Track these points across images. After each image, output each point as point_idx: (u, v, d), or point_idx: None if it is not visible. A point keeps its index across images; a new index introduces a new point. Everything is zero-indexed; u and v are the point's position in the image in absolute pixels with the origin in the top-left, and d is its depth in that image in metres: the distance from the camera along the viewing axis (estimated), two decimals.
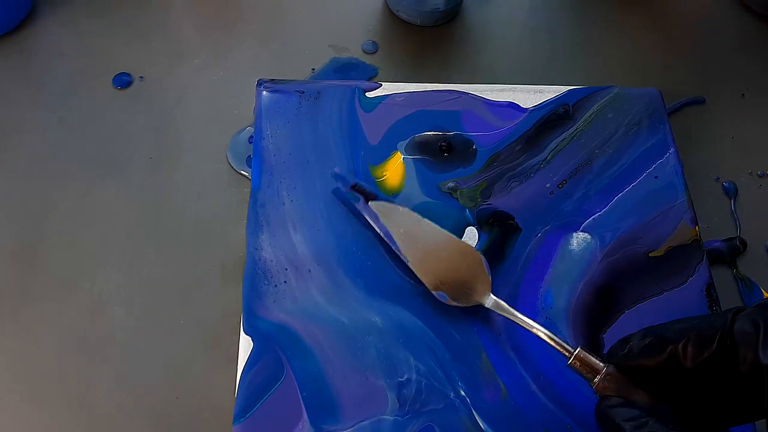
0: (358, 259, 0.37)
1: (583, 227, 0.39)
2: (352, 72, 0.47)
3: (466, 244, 0.38)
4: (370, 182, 0.40)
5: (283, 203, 0.39)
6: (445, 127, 0.42)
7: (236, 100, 0.45)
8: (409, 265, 0.36)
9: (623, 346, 0.29)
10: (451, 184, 0.40)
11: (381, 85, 0.43)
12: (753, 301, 0.40)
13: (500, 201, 0.40)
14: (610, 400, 0.29)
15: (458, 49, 0.49)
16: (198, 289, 0.39)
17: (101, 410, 0.35)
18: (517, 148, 0.41)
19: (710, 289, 0.38)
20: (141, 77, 0.45)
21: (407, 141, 0.41)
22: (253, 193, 0.39)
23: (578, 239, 0.39)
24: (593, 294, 0.37)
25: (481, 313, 0.36)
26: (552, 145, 0.42)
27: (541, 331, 0.33)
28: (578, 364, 0.30)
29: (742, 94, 0.49)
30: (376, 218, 0.37)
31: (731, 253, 0.42)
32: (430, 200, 0.40)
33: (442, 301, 0.36)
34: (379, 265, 0.37)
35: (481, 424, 0.34)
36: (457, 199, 0.40)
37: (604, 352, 0.35)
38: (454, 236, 0.37)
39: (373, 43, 0.48)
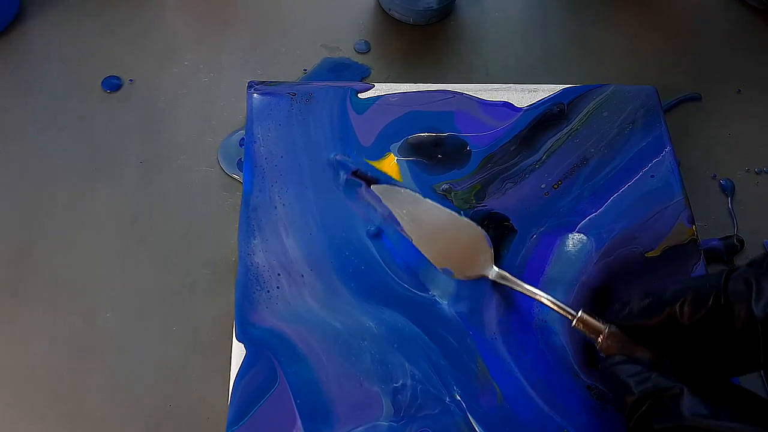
0: (351, 264, 0.37)
1: (579, 228, 0.39)
2: (344, 72, 0.47)
3: (468, 220, 0.38)
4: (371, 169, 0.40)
5: (275, 207, 0.38)
6: (438, 128, 0.41)
7: (227, 102, 0.45)
8: (414, 243, 0.37)
9: (623, 307, 0.31)
10: (445, 186, 0.40)
11: (374, 86, 0.42)
12: None
13: (495, 202, 0.39)
14: (613, 359, 0.30)
15: (451, 47, 0.48)
16: (191, 294, 0.38)
17: (94, 417, 0.35)
18: (511, 149, 0.41)
19: None
20: (131, 80, 0.45)
21: (400, 142, 0.41)
22: (245, 198, 0.38)
23: (574, 240, 0.38)
24: (589, 296, 0.37)
25: (475, 315, 0.36)
26: (547, 145, 0.41)
27: (544, 298, 0.34)
28: (582, 326, 0.32)
29: (738, 90, 0.48)
30: (379, 201, 0.38)
31: (729, 251, 0.42)
32: None
33: (448, 276, 0.36)
34: (373, 269, 0.37)
35: (477, 429, 0.33)
36: (452, 201, 0.39)
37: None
38: (456, 214, 0.38)
39: (366, 42, 0.48)
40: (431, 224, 0.38)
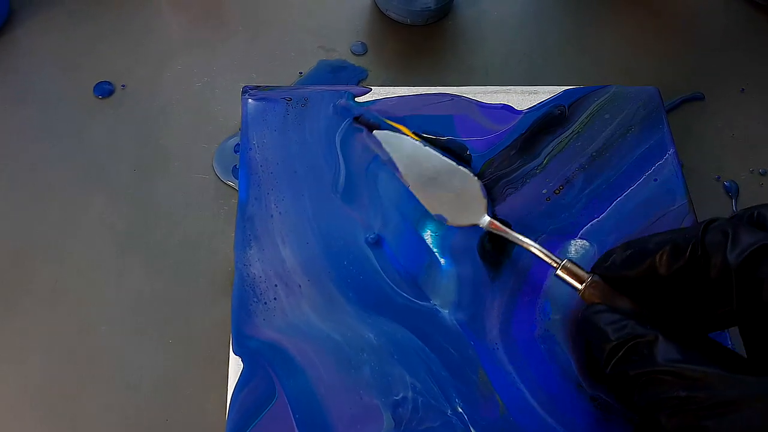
0: (349, 273, 0.36)
1: (581, 234, 0.38)
2: (341, 74, 0.46)
3: (465, 170, 0.39)
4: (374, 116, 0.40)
5: (272, 216, 0.38)
6: (438, 132, 0.41)
7: (222, 106, 0.44)
8: (411, 189, 0.38)
9: (606, 258, 0.32)
10: None
11: (371, 89, 0.42)
12: None
13: (496, 208, 0.39)
14: (594, 307, 0.31)
15: (450, 48, 0.47)
16: (187, 305, 0.38)
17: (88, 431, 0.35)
18: (511, 153, 0.40)
19: None
20: (123, 85, 0.44)
21: None
22: (241, 207, 0.38)
23: (576, 246, 0.38)
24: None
25: (476, 324, 0.35)
26: (548, 149, 0.40)
27: (532, 246, 0.34)
28: (566, 273, 0.33)
29: (742, 89, 0.47)
30: (380, 146, 0.39)
31: None
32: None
33: (442, 222, 0.37)
34: (372, 278, 0.36)
35: None
36: None
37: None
38: (453, 163, 0.39)
39: (362, 44, 0.47)
40: (429, 171, 0.39)
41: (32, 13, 0.47)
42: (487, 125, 0.41)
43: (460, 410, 0.34)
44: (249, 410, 0.33)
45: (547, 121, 0.41)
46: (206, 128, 0.43)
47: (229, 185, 0.41)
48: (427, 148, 0.39)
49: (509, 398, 0.34)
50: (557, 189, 0.39)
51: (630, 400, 0.31)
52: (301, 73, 0.46)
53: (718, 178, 0.44)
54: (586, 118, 0.41)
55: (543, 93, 0.42)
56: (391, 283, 0.36)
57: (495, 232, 0.36)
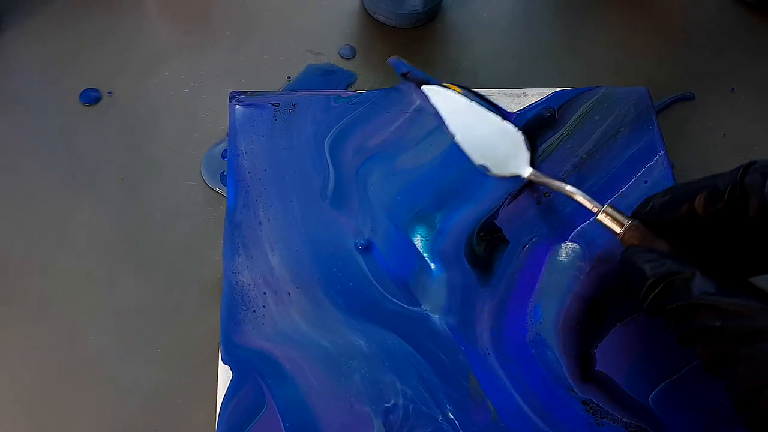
0: (339, 280, 0.36)
1: (572, 237, 0.38)
2: (330, 78, 0.46)
3: (508, 124, 0.41)
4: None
5: (260, 223, 0.37)
6: None
7: (210, 112, 0.43)
8: (456, 140, 0.40)
9: (646, 203, 0.33)
10: None
11: (359, 93, 0.41)
12: None
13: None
14: (633, 248, 0.32)
15: (438, 51, 0.47)
16: (176, 314, 0.37)
17: None
18: None
19: None
20: (109, 92, 0.44)
21: None
22: (229, 214, 0.37)
23: (567, 250, 0.38)
24: (583, 307, 0.36)
25: (467, 329, 0.35)
26: (538, 152, 0.40)
27: (576, 193, 0.35)
28: (606, 217, 0.34)
29: (732, 89, 0.47)
30: (427, 100, 0.41)
31: None
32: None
33: (484, 172, 0.39)
34: (362, 284, 0.36)
35: None
36: None
37: (597, 368, 0.35)
38: (498, 117, 0.41)
39: (351, 47, 0.47)
40: (474, 124, 0.41)
41: (18, 20, 0.46)
42: None
43: (452, 416, 0.33)
44: (239, 419, 0.33)
45: (536, 124, 0.41)
46: (194, 134, 0.43)
47: (217, 192, 0.41)
48: (473, 103, 0.41)
49: (500, 403, 0.34)
50: (547, 192, 0.39)
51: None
52: (289, 77, 0.45)
53: None
54: (575, 120, 0.41)
55: (532, 95, 0.42)
56: (382, 289, 0.36)
57: (537, 181, 0.38)
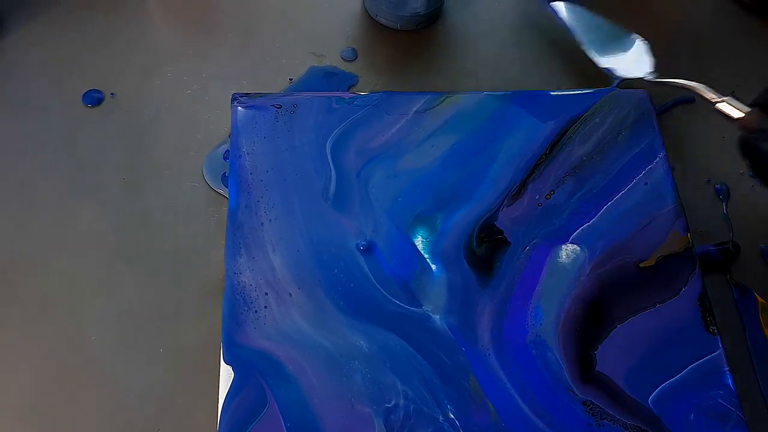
0: (340, 281, 0.36)
1: (572, 238, 0.38)
2: (331, 80, 0.46)
3: (633, 34, 0.46)
4: None
5: (262, 224, 0.37)
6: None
7: (212, 114, 0.44)
8: (583, 48, 0.46)
9: (766, 93, 0.36)
10: None
11: (361, 95, 0.41)
12: (748, 308, 0.40)
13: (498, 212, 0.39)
14: (752, 132, 0.35)
15: (440, 53, 0.47)
16: (178, 314, 0.38)
17: None
18: None
19: (703, 299, 0.37)
20: (112, 93, 0.44)
21: None
22: (231, 215, 0.37)
23: (567, 251, 0.38)
24: (583, 308, 0.36)
25: (468, 329, 0.35)
26: (541, 153, 0.40)
27: (697, 86, 0.41)
28: (725, 105, 0.38)
29: (732, 92, 0.47)
30: (556, 14, 0.47)
31: (725, 258, 0.41)
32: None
33: (610, 75, 0.45)
34: (363, 286, 0.36)
35: None
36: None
37: (597, 369, 0.35)
38: (623, 28, 0.47)
39: (353, 50, 0.47)
40: (601, 34, 0.46)
41: (21, 22, 0.46)
42: None
43: (452, 416, 0.34)
44: (240, 419, 0.33)
45: None
46: (196, 136, 0.43)
47: (219, 193, 0.41)
48: (600, 17, 0.46)
49: (501, 404, 0.34)
50: (548, 194, 0.39)
51: None
52: (291, 79, 0.45)
53: (709, 180, 0.44)
54: (577, 121, 0.41)
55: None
56: (383, 290, 0.36)
57: (659, 81, 0.43)
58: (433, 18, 0.48)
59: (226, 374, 0.34)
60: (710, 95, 0.39)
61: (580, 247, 0.38)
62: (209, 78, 0.45)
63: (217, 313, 0.36)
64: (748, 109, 0.37)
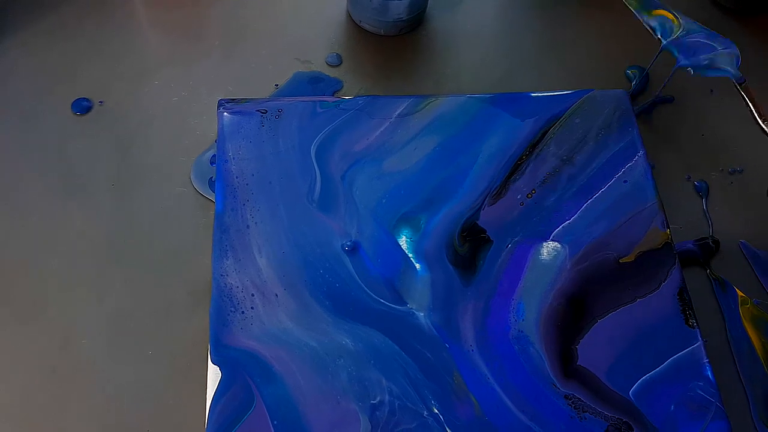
0: (325, 281, 0.37)
1: (553, 236, 0.39)
2: (317, 86, 0.47)
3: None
4: None
5: (248, 227, 0.38)
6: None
7: (199, 120, 0.44)
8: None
9: None
10: None
11: (345, 99, 0.42)
12: (727, 301, 0.40)
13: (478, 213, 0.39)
14: None
15: (423, 58, 0.48)
16: (166, 316, 0.38)
17: None
18: None
19: (683, 293, 0.37)
20: (101, 101, 0.45)
21: None
22: (217, 218, 0.38)
23: (548, 248, 0.38)
24: (564, 304, 0.37)
25: (452, 326, 0.36)
26: (521, 155, 0.41)
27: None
28: None
29: (711, 90, 0.48)
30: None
31: (704, 253, 0.42)
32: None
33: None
34: (348, 285, 0.37)
35: None
36: None
37: (579, 363, 0.35)
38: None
39: (337, 55, 0.48)
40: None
41: (11, 31, 0.47)
42: None
43: (436, 411, 0.34)
44: (228, 418, 0.33)
45: None
46: (184, 142, 0.43)
47: (206, 198, 0.42)
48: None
49: (484, 399, 0.34)
50: (530, 193, 0.40)
51: None
52: (277, 85, 0.46)
53: (689, 177, 0.45)
54: (557, 122, 0.42)
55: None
56: (368, 289, 0.37)
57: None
58: (415, 24, 0.49)
59: (214, 374, 0.34)
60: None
61: (561, 244, 0.38)
62: (196, 85, 0.46)
63: (205, 315, 0.37)
64: None
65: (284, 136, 0.41)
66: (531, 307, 0.37)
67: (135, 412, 0.36)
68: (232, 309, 0.36)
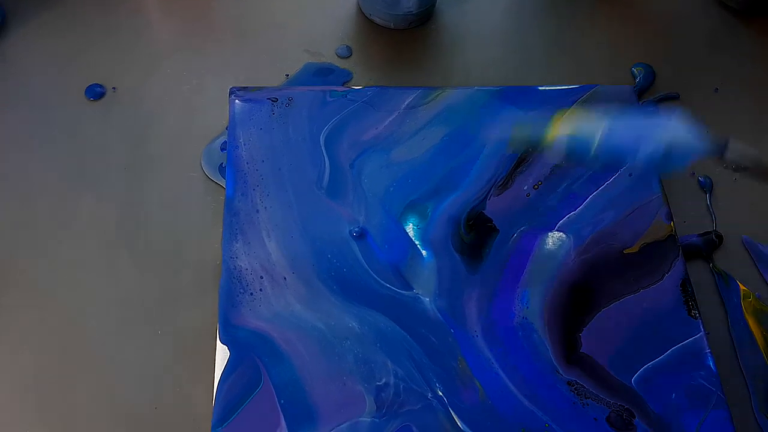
0: (333, 266, 0.37)
1: (558, 226, 0.39)
2: (327, 77, 0.47)
3: None
4: None
5: (257, 211, 0.39)
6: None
7: (210, 107, 0.45)
8: None
9: None
10: None
11: (354, 89, 0.43)
12: (730, 295, 0.41)
13: (485, 203, 0.40)
14: None
15: (432, 51, 0.49)
16: (175, 298, 0.39)
17: (80, 422, 0.35)
18: None
19: (685, 284, 0.38)
20: (114, 88, 0.45)
21: None
22: (227, 203, 0.39)
23: (553, 238, 0.39)
24: (568, 293, 0.37)
25: (457, 312, 0.37)
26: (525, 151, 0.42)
27: None
28: None
29: (716, 88, 0.49)
30: None
31: (707, 247, 0.42)
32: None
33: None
34: (355, 270, 0.37)
35: (459, 424, 0.34)
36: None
37: (582, 350, 0.36)
38: None
39: (348, 47, 0.48)
40: None
41: (26, 18, 0.48)
42: None
43: (441, 394, 0.35)
44: (235, 397, 0.34)
45: None
46: (195, 129, 0.44)
47: (216, 183, 0.42)
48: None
49: (488, 383, 0.35)
50: (536, 184, 0.40)
51: None
52: (287, 75, 0.47)
53: (693, 173, 0.45)
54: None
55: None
56: (374, 275, 0.37)
57: None
58: (425, 17, 0.50)
59: (222, 354, 0.35)
60: None
61: (567, 234, 0.39)
62: (207, 74, 0.46)
63: (214, 296, 0.37)
64: None
65: (294, 124, 0.42)
66: (535, 295, 0.37)
67: (144, 391, 0.36)
68: (241, 290, 0.36)
